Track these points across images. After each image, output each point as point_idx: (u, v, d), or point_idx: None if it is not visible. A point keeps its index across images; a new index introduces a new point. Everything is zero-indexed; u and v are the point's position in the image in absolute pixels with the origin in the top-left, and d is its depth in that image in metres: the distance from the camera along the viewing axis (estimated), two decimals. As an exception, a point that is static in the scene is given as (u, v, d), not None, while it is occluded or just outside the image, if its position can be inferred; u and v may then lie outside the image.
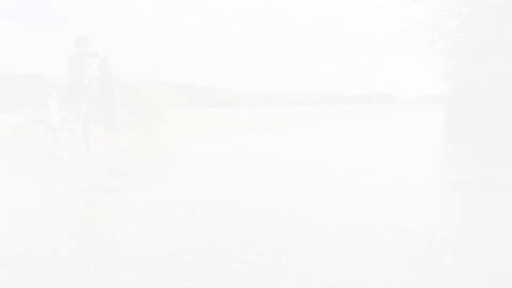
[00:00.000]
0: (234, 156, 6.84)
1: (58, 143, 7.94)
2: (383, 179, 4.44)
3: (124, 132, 9.79)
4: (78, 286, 1.89)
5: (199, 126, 13.62)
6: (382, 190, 3.84)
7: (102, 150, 8.01)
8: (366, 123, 19.04)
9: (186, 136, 11.50)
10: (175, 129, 11.24)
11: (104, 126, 7.37)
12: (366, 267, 2.07)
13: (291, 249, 2.32)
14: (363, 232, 2.57)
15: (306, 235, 2.56)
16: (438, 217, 3.00)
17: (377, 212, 3.04)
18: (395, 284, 1.87)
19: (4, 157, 7.00)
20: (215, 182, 4.41)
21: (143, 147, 8.23)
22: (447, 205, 3.35)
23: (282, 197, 3.62)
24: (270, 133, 12.59)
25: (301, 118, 20.58)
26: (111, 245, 2.50)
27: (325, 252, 2.29)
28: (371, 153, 6.73)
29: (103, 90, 7.16)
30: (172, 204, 3.35)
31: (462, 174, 4.71)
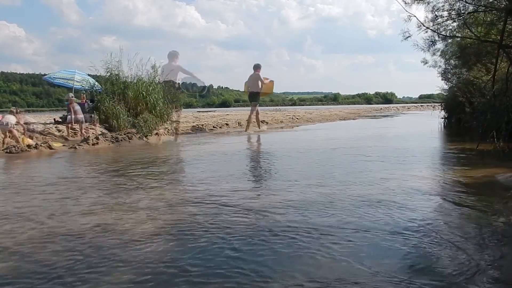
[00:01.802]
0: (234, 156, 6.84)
1: (52, 145, 7.94)
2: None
3: (123, 132, 9.81)
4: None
5: (198, 126, 13.63)
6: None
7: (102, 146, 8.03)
8: (365, 123, 19.07)
9: (185, 136, 11.52)
10: (174, 129, 11.23)
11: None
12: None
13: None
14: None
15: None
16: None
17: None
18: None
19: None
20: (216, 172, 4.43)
21: (143, 147, 8.23)
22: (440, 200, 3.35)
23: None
24: (271, 134, 12.61)
25: (301, 118, 20.60)
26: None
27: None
28: (370, 154, 6.74)
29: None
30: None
31: (461, 172, 4.72)
